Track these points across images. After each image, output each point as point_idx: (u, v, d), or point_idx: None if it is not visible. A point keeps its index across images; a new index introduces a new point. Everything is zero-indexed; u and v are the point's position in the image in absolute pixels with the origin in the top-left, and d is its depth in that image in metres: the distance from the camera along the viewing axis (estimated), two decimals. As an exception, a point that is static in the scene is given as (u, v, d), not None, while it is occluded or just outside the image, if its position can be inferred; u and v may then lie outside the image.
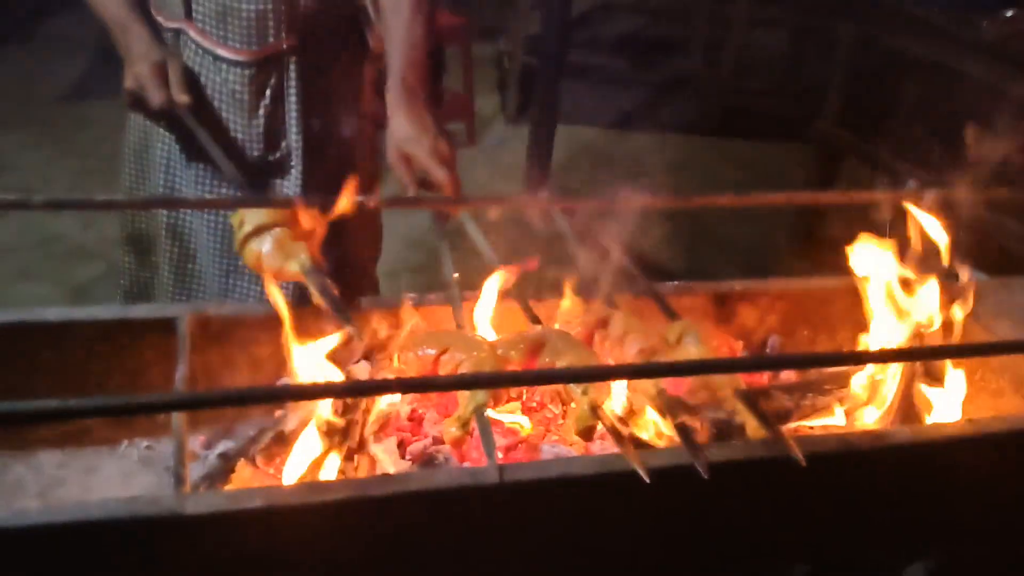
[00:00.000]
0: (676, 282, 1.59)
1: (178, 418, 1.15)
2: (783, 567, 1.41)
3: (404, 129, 1.62)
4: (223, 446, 1.39)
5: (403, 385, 0.98)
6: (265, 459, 1.27)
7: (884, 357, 1.22)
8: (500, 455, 1.22)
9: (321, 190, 1.73)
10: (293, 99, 1.75)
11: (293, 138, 1.78)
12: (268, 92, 1.73)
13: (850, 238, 1.55)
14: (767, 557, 1.38)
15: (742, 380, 1.37)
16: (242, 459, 1.27)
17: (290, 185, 1.81)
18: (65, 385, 1.32)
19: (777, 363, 1.34)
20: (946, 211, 1.63)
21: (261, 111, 1.74)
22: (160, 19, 1.74)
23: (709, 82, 5.41)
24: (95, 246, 3.62)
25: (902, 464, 1.28)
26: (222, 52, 1.69)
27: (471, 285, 1.46)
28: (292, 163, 1.80)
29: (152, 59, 1.63)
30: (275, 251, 1.28)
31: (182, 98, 1.62)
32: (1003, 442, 1.31)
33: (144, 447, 1.39)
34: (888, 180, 2.07)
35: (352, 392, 1.02)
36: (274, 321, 1.40)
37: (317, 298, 1.24)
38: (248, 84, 1.71)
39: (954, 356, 1.36)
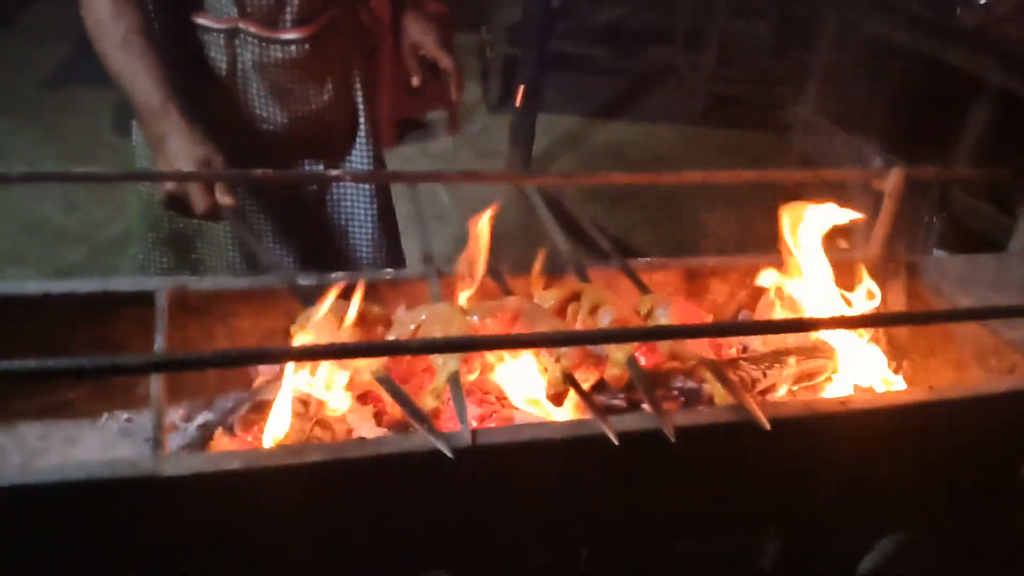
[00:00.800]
0: (648, 258, 1.62)
1: (156, 385, 1.18)
2: (754, 539, 1.45)
3: (416, 24, 1.90)
4: (202, 418, 1.41)
5: (374, 349, 1.01)
6: (243, 427, 1.30)
7: (842, 323, 1.25)
8: (474, 422, 1.25)
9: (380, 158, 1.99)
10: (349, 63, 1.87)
11: (359, 100, 1.92)
12: (329, 58, 1.80)
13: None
14: (737, 527, 1.42)
15: (711, 351, 1.41)
16: (220, 428, 1.29)
17: (359, 156, 1.93)
18: (46, 353, 1.34)
19: (740, 329, 1.37)
20: (913, 191, 1.67)
21: (329, 79, 1.82)
22: (204, 21, 1.69)
23: (692, 71, 5.44)
24: (78, 230, 3.63)
25: (864, 430, 1.32)
26: (285, 35, 1.72)
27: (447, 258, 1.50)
28: (361, 124, 1.94)
29: (195, 156, 1.48)
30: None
31: (227, 200, 1.47)
32: (962, 408, 1.35)
33: (124, 419, 1.41)
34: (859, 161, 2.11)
35: (323, 355, 1.05)
36: (253, 294, 1.43)
37: (392, 407, 1.25)
38: (314, 56, 1.76)
39: (910, 323, 1.40)
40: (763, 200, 4.07)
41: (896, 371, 1.48)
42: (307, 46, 1.74)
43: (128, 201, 3.60)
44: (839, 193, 1.77)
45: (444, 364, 1.26)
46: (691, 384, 1.41)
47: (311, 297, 1.34)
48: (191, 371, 1.36)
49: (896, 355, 1.51)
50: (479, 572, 1.24)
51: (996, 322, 1.53)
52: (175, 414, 1.40)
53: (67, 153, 4.21)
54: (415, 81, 1.92)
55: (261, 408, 1.32)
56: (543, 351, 1.32)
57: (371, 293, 1.46)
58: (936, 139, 1.91)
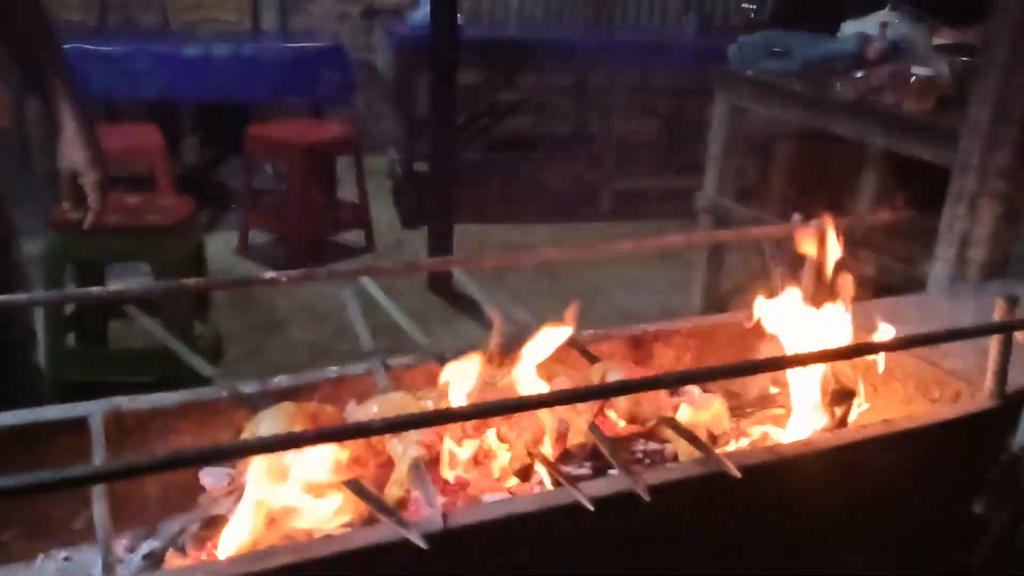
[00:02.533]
0: (592, 330, 1.63)
1: (100, 507, 1.10)
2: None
3: (80, 152, 1.89)
4: (147, 546, 1.32)
5: (321, 436, 0.97)
6: (196, 547, 1.22)
7: (792, 363, 1.27)
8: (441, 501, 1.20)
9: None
10: None
11: None
12: None
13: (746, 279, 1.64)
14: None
15: (669, 409, 1.41)
16: (170, 550, 1.21)
17: None
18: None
19: (699, 376, 1.37)
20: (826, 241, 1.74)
21: None
22: None
23: (595, 172, 5.64)
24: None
25: (827, 467, 1.32)
26: None
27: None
28: None
29: None
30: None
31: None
32: (917, 437, 1.37)
33: (63, 558, 1.31)
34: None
35: (281, 446, 1.00)
36: (192, 408, 1.37)
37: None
38: None
39: (857, 355, 1.43)
40: (684, 278, 4.15)
41: (847, 413, 1.50)
42: None
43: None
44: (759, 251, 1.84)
45: (405, 452, 1.22)
46: (653, 445, 1.40)
47: (256, 404, 1.30)
48: (134, 492, 1.28)
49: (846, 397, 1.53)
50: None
51: (933, 355, 1.57)
52: (117, 546, 1.31)
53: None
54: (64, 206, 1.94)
55: (213, 524, 1.25)
56: (503, 428, 1.29)
57: (313, 393, 1.42)
58: (834, 204, 2.01)
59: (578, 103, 6.09)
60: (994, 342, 1.37)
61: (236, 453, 1.05)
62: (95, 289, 1.36)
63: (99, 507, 1.10)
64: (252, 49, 4.89)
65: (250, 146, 4.58)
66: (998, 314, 1.34)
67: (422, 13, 4.80)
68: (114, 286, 3.21)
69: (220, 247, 4.59)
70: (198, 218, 3.48)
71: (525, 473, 1.24)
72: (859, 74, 3.16)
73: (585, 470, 1.33)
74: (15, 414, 1.30)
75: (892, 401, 1.61)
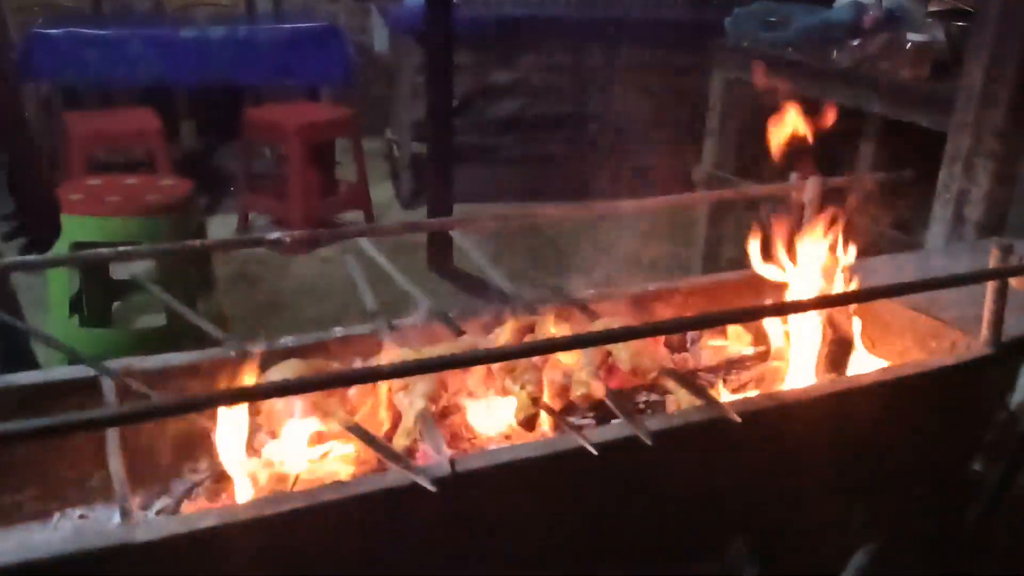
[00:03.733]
0: (592, 290, 1.65)
1: (115, 452, 1.12)
2: (724, 538, 1.44)
3: None
4: (160, 503, 1.35)
5: (346, 378, 0.99)
6: (209, 499, 1.24)
7: (792, 309, 1.29)
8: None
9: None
10: None
11: None
12: None
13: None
14: (709, 525, 1.41)
15: (670, 360, 1.43)
16: (185, 502, 1.24)
17: None
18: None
19: (698, 323, 1.39)
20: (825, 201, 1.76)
21: None
22: None
23: (593, 151, 5.64)
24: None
25: (827, 415, 1.34)
26: None
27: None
28: None
29: None
30: (309, 411, 1.19)
31: None
32: (916, 383, 1.40)
33: (78, 516, 1.34)
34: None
35: (293, 390, 1.02)
36: (201, 367, 1.40)
37: (367, 451, 1.22)
38: None
39: (854, 301, 1.44)
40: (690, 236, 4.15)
41: (846, 362, 1.52)
42: None
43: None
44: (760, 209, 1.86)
45: (412, 404, 1.25)
46: (655, 397, 1.42)
47: (264, 363, 1.32)
48: (145, 451, 1.30)
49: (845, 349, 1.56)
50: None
51: (930, 306, 1.59)
52: (132, 503, 1.33)
53: (-28, 298, 4.05)
54: None
55: (225, 478, 1.27)
56: (507, 380, 1.31)
57: (322, 352, 1.44)
58: (833, 173, 2.03)
59: (574, 82, 6.08)
60: (989, 289, 1.39)
61: (249, 396, 1.07)
62: (104, 251, 1.38)
63: (114, 460, 1.12)
64: (247, 32, 4.88)
65: (248, 129, 4.59)
66: (992, 261, 1.36)
67: (417, -7, 4.79)
68: (118, 266, 3.24)
69: (220, 230, 4.60)
70: (197, 199, 3.49)
71: (530, 423, 1.26)
72: (855, 43, 3.17)
73: (588, 420, 1.35)
74: (26, 375, 1.33)
75: (889, 354, 1.63)
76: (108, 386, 1.29)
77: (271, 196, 4.74)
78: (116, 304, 3.47)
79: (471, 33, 4.98)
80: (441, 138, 4.40)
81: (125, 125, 4.49)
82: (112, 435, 1.16)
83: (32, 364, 2.08)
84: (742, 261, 1.92)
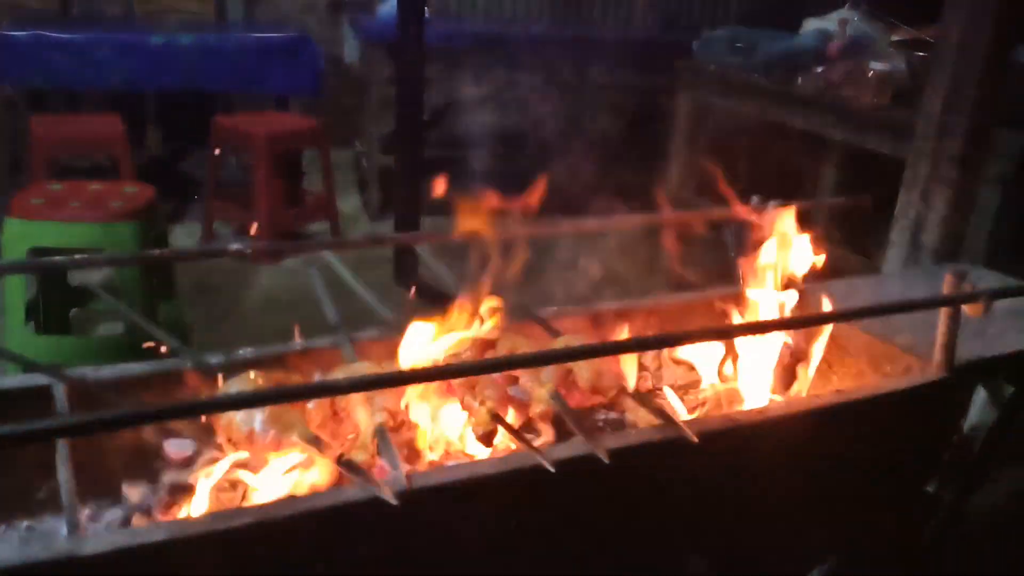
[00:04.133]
0: (554, 307, 1.66)
1: (65, 472, 1.10)
2: (680, 555, 1.45)
3: None
4: (111, 515, 1.32)
5: (306, 391, 0.98)
6: (162, 512, 1.23)
7: (751, 330, 1.31)
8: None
9: None
10: None
11: None
12: None
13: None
14: (666, 544, 1.41)
15: (629, 382, 1.44)
16: (136, 514, 1.22)
17: None
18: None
19: (658, 342, 1.40)
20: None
21: None
22: None
23: (561, 168, 5.67)
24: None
25: (783, 436, 1.36)
26: None
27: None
28: None
29: None
30: (270, 424, 1.17)
31: None
32: (869, 406, 1.42)
33: (24, 527, 1.31)
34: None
35: (255, 402, 1.01)
36: (155, 378, 1.38)
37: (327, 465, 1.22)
38: None
39: (811, 324, 1.46)
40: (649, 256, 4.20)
41: (802, 385, 1.54)
42: None
43: None
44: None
45: (370, 417, 1.24)
46: (613, 415, 1.43)
47: (226, 374, 1.31)
48: (96, 462, 1.28)
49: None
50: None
51: (885, 330, 1.62)
52: (81, 515, 1.31)
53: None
54: None
55: (178, 491, 1.26)
56: (467, 396, 1.31)
57: (282, 365, 1.43)
58: (795, 197, 2.06)
59: (543, 99, 6.11)
60: (942, 315, 1.42)
61: (204, 408, 1.06)
62: (62, 258, 1.36)
63: (63, 470, 1.10)
64: (217, 39, 4.85)
65: (215, 137, 4.55)
66: (946, 288, 1.39)
67: (389, 6, 4.80)
68: (77, 273, 3.19)
69: (184, 239, 4.55)
70: (160, 206, 3.45)
71: (488, 438, 1.26)
72: (819, 69, 3.23)
73: (547, 438, 1.35)
74: (-21, 383, 1.30)
75: (844, 377, 1.65)
76: (60, 395, 1.27)
77: (237, 205, 4.70)
78: (74, 311, 3.41)
79: (442, 47, 5.00)
80: (410, 151, 4.40)
81: (89, 130, 4.43)
82: (62, 445, 1.14)
83: None
84: (702, 282, 1.95)
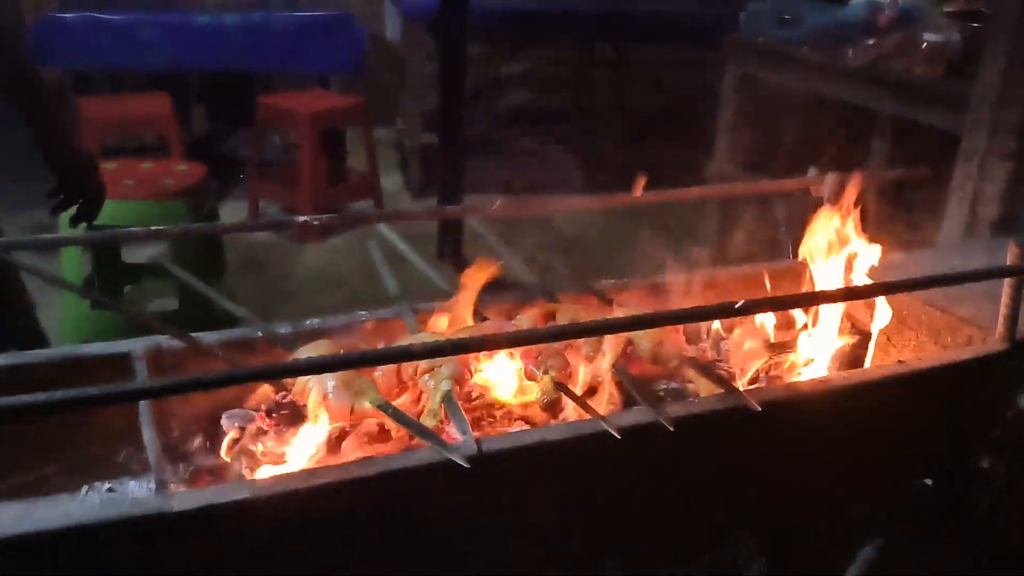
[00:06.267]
0: (612, 279, 1.67)
1: (150, 433, 1.14)
2: (732, 529, 1.46)
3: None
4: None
5: (382, 356, 1.01)
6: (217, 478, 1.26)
7: (805, 301, 1.31)
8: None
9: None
10: None
11: None
12: None
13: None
14: (719, 517, 1.43)
15: (690, 351, 1.45)
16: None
17: None
18: (19, 433, 1.29)
19: (721, 312, 1.39)
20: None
21: None
22: None
23: (603, 145, 5.66)
24: None
25: (841, 407, 1.36)
26: None
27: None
28: None
29: None
30: (342, 389, 1.21)
31: None
32: (932, 378, 1.41)
33: (106, 489, 1.36)
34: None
35: (333, 366, 1.04)
36: (227, 347, 1.42)
37: (399, 431, 1.25)
38: None
39: (869, 296, 1.46)
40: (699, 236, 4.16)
41: (863, 356, 1.54)
42: None
43: (54, 320, 3.50)
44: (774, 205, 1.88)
45: (437, 385, 1.27)
46: (674, 385, 1.44)
47: (293, 344, 1.34)
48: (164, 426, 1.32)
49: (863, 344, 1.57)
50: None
51: (945, 301, 1.61)
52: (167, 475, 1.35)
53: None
54: None
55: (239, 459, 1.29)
56: (530, 366, 1.34)
57: (346, 334, 1.46)
58: (844, 171, 2.05)
59: (584, 75, 6.09)
60: (1005, 286, 1.41)
61: (289, 372, 1.09)
62: (119, 231, 1.39)
63: (148, 432, 1.14)
64: (261, 19, 4.89)
65: (260, 116, 4.60)
66: (1010, 258, 1.38)
67: (431, -17, 4.80)
68: (131, 250, 3.25)
69: (230, 218, 4.62)
70: (211, 184, 3.51)
71: (552, 407, 1.29)
72: (869, 41, 3.18)
73: (609, 407, 1.37)
74: (59, 349, 1.35)
75: (904, 350, 1.65)
76: (139, 362, 1.31)
77: (281, 184, 4.76)
78: (128, 288, 3.49)
79: (483, 24, 4.99)
80: (452, 128, 4.41)
81: (139, 110, 4.51)
82: (145, 408, 1.18)
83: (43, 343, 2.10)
84: (754, 256, 1.94)
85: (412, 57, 5.26)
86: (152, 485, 1.34)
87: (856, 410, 1.41)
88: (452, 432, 1.22)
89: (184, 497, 1.01)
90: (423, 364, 1.31)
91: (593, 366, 1.36)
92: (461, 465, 1.09)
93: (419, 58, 5.18)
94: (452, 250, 4.24)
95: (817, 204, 1.76)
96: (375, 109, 5.31)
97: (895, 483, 1.60)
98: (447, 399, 1.23)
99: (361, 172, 4.86)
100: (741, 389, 1.28)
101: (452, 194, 4.45)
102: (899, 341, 1.67)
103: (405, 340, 1.37)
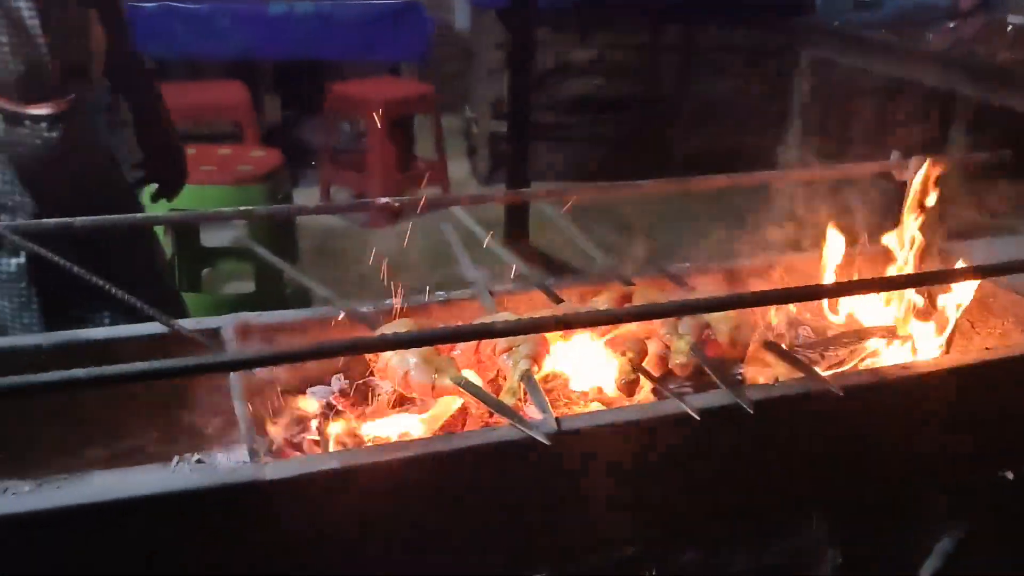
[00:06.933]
0: (687, 264, 1.66)
1: (242, 406, 1.19)
2: (807, 515, 1.45)
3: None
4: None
5: (454, 335, 1.03)
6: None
7: (888, 285, 1.29)
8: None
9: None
10: None
11: None
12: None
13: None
14: (795, 502, 1.42)
15: (769, 335, 1.44)
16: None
17: None
18: (114, 403, 1.35)
19: (803, 295, 1.38)
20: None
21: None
22: None
23: (669, 131, 5.61)
24: None
25: (925, 394, 1.34)
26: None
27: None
28: None
29: None
30: (424, 366, 1.23)
31: None
32: (1016, 366, 1.38)
33: (195, 460, 1.41)
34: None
35: (417, 342, 1.07)
36: (312, 324, 1.46)
37: (478, 408, 1.28)
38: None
39: (955, 280, 1.43)
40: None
41: (948, 343, 1.51)
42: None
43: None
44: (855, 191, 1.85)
45: (516, 364, 1.29)
46: (752, 369, 1.43)
47: (375, 323, 1.37)
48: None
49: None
50: (578, 566, 1.24)
51: (1031, 289, 1.57)
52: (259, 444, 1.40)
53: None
54: None
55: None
56: (607, 347, 1.34)
57: (425, 314, 1.49)
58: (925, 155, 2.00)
59: (653, 61, 6.03)
60: (1099, 273, 1.37)
61: (376, 346, 1.12)
62: (211, 211, 1.44)
63: (240, 404, 1.18)
64: (333, 7, 4.96)
65: (331, 104, 4.68)
66: (1105, 244, 1.34)
67: (500, -29, 4.81)
68: (210, 235, 3.34)
69: (302, 203, 4.71)
70: (286, 169, 3.58)
71: (630, 388, 1.29)
72: (951, 24, 3.10)
73: (687, 389, 1.37)
74: (151, 325, 1.40)
75: (989, 336, 1.61)
76: (229, 336, 1.36)
77: (351, 170, 4.83)
78: (206, 271, 3.59)
79: (550, 10, 4.98)
80: (520, 116, 4.43)
81: (215, 97, 4.62)
82: (236, 381, 1.22)
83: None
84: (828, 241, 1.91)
85: (481, 45, 5.28)
86: (238, 458, 1.40)
87: (938, 398, 1.38)
88: (530, 411, 1.24)
89: (277, 467, 1.05)
90: (502, 343, 1.32)
91: (671, 348, 1.36)
92: (541, 442, 1.11)
93: (488, 46, 5.20)
94: (517, 236, 4.26)
95: (900, 188, 1.73)
96: (443, 97, 5.35)
97: (975, 475, 1.57)
98: (526, 377, 1.25)
99: (428, 159, 4.90)
100: (822, 373, 1.26)
101: (519, 180, 4.47)
102: (984, 328, 1.63)
103: (481, 320, 1.39)
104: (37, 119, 1.64)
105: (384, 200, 1.51)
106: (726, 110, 5.74)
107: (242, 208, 1.56)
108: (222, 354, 1.04)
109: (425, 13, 5.08)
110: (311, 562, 1.08)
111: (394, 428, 1.26)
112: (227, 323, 1.39)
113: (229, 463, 1.34)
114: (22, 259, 1.79)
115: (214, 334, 1.36)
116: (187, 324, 1.40)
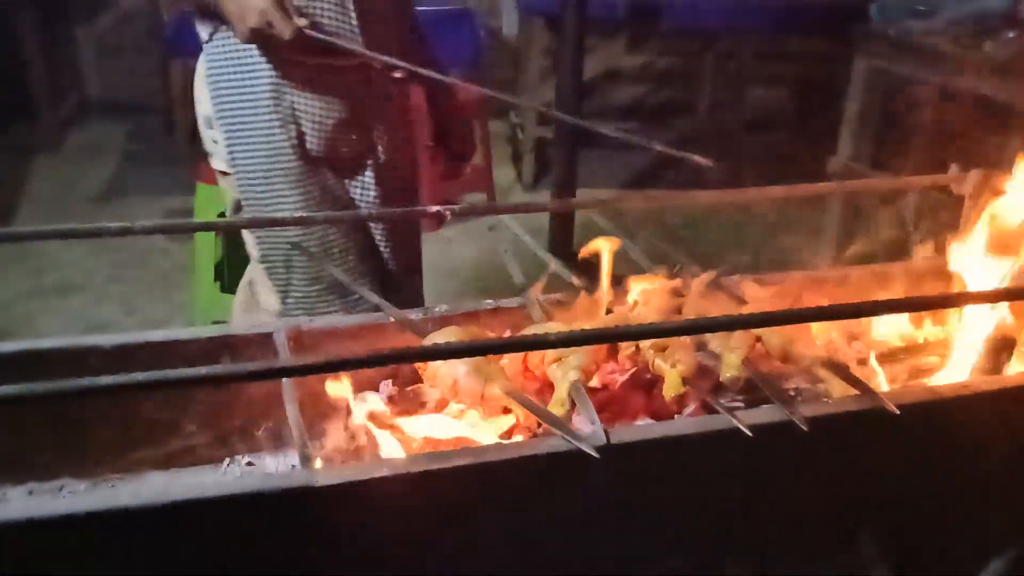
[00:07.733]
0: (737, 275, 1.65)
1: (294, 411, 1.20)
2: (858, 533, 1.43)
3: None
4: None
5: (514, 344, 1.03)
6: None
7: (950, 301, 1.27)
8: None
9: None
10: None
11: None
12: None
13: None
14: (846, 520, 1.39)
15: (821, 350, 1.42)
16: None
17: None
18: (170, 404, 1.38)
19: (862, 310, 1.35)
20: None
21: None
22: None
23: (719, 139, 5.56)
24: (139, 330, 3.68)
25: (982, 413, 1.31)
26: None
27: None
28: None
29: None
30: (473, 374, 1.24)
31: (302, 21, 1.66)
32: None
33: (246, 463, 1.43)
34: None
35: (467, 352, 1.07)
36: (364, 330, 1.47)
37: (528, 418, 1.28)
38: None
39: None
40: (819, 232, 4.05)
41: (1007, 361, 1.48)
42: None
43: (184, 302, 3.67)
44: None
45: (564, 375, 1.28)
46: (805, 385, 1.41)
47: (421, 330, 1.38)
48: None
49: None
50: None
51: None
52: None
53: (121, 263, 4.30)
54: None
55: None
56: (657, 360, 1.33)
57: (474, 322, 1.49)
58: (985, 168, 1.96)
59: (703, 68, 5.99)
60: None
61: (429, 356, 1.12)
62: (269, 217, 1.46)
63: (292, 409, 1.20)
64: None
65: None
66: None
67: (549, -22, 4.81)
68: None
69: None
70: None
71: (680, 402, 1.28)
72: (1011, 34, 3.03)
73: (738, 403, 1.36)
74: (207, 328, 1.42)
75: (1050, 355, 1.57)
76: (281, 341, 1.37)
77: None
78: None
79: (599, 17, 4.96)
80: (568, 122, 4.42)
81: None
82: (289, 386, 1.24)
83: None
84: (878, 255, 1.88)
85: (529, 51, 5.29)
86: (287, 461, 1.42)
87: (996, 417, 1.35)
88: (578, 422, 1.23)
89: (328, 473, 1.06)
90: (551, 353, 1.32)
91: (722, 362, 1.35)
92: (590, 455, 1.11)
93: (536, 52, 5.21)
94: (562, 243, 4.25)
95: (958, 202, 1.70)
96: (490, 102, 5.37)
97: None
98: (575, 389, 1.25)
99: (475, 165, 4.91)
100: (878, 390, 1.24)
101: (566, 187, 4.46)
102: (1044, 347, 1.59)
103: (531, 329, 1.38)
104: None
105: (435, 208, 1.52)
106: (777, 118, 5.68)
107: (298, 215, 1.58)
108: (274, 361, 1.05)
109: (476, 19, 5.10)
110: (360, 570, 1.09)
111: (450, 430, 1.27)
112: (279, 328, 1.40)
113: (279, 466, 1.36)
114: None
115: (267, 339, 1.38)
116: (242, 328, 1.42)
